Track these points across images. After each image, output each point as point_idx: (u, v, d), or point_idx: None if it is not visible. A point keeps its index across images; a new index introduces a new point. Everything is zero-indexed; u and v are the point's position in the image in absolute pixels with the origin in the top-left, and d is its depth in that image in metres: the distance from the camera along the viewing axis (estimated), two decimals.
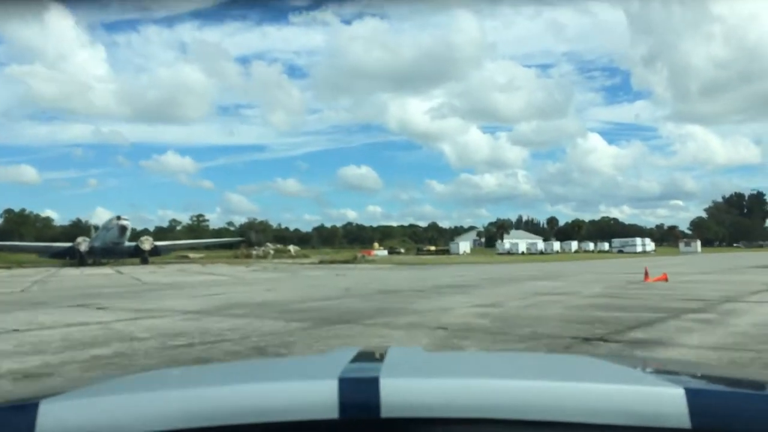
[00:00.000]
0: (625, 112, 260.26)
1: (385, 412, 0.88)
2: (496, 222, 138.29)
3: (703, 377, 1.34)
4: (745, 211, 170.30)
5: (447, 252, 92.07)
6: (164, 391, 1.01)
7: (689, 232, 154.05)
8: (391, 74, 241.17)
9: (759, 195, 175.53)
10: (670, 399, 0.88)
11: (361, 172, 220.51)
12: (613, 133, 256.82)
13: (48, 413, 0.90)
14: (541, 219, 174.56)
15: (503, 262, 47.13)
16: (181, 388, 1.05)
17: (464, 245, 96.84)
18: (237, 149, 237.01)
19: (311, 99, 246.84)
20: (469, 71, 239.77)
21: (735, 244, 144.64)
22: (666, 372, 1.27)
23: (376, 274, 29.64)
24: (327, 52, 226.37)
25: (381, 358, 1.20)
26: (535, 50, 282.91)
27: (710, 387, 1.14)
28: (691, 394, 0.88)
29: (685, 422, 0.85)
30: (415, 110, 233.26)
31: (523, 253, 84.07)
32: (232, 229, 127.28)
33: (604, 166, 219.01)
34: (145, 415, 0.89)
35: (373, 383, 0.91)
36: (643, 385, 0.94)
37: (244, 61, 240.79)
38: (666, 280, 18.15)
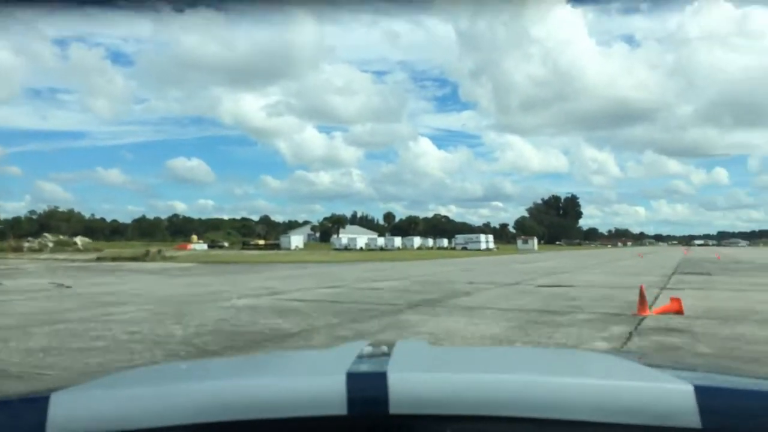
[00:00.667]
0: (454, 121, 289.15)
1: (394, 408, 0.88)
2: (331, 217, 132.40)
3: (712, 374, 1.32)
4: (561, 212, 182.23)
5: (277, 246, 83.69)
6: (173, 385, 1.01)
7: (513, 230, 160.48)
8: (226, 68, 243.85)
9: (573, 198, 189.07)
10: (679, 396, 0.86)
11: (192, 165, 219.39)
12: (443, 139, 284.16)
13: (59, 406, 0.90)
14: (376, 216, 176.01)
15: (344, 261, 38.38)
16: (190, 383, 1.05)
17: (297, 239, 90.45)
18: (51, 135, 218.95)
19: (138, 88, 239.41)
20: (306, 71, 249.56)
21: (557, 242, 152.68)
22: (675, 368, 1.21)
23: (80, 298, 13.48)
24: (156, 41, 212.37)
25: (388, 353, 1.17)
26: (372, 57, 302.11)
27: (720, 384, 1.10)
28: (701, 392, 0.86)
29: (695, 421, 0.83)
30: (250, 106, 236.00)
31: (362, 248, 78.27)
32: (34, 218, 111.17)
33: (434, 169, 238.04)
34: (153, 409, 0.89)
35: (381, 378, 0.90)
36: (652, 382, 0.92)
37: (61, 43, 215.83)
38: (680, 311, 9.97)
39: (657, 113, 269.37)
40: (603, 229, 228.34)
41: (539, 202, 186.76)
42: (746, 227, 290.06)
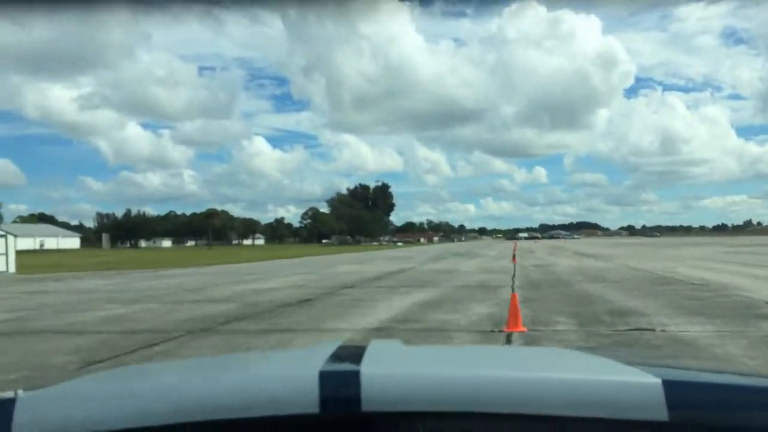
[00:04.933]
0: (291, 120, 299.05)
1: (366, 406, 0.87)
2: None
3: (680, 369, 1.34)
4: (370, 203, 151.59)
5: None
6: (144, 387, 1.01)
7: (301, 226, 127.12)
8: (23, 53, 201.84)
9: (384, 186, 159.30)
10: (647, 390, 0.87)
11: None
12: (279, 139, 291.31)
13: (26, 408, 0.88)
14: None
15: None
16: (161, 383, 1.05)
17: None
18: None
19: None
20: (121, 62, 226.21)
21: (360, 240, 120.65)
22: (643, 363, 1.18)
23: None
24: None
25: (362, 352, 1.15)
26: (205, 52, 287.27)
27: (688, 378, 1.12)
28: (669, 386, 0.88)
29: (663, 414, 0.85)
30: (59, 98, 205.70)
31: None
32: None
33: (270, 169, 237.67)
34: (124, 410, 0.88)
35: (354, 377, 0.90)
36: (621, 376, 0.94)
37: None
38: None
39: (483, 114, 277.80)
40: (427, 224, 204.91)
41: (344, 192, 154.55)
42: (562, 220, 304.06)
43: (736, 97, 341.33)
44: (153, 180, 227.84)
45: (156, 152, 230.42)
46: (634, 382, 0.89)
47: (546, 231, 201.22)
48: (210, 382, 0.97)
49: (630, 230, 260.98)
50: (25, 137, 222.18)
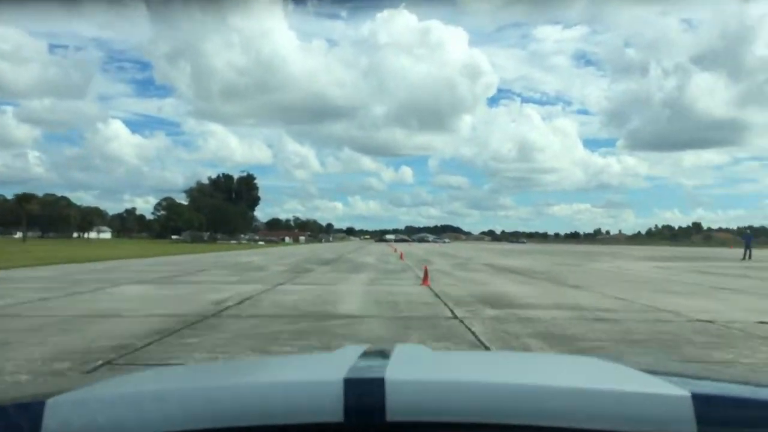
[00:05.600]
0: (153, 105, 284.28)
1: (391, 415, 0.85)
2: None
3: (709, 381, 1.28)
4: (234, 195, 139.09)
5: None
6: (168, 391, 0.99)
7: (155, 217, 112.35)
8: None
9: (249, 178, 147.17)
10: (676, 403, 0.84)
11: None
12: (139, 124, 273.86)
13: (54, 412, 0.89)
14: None
15: None
16: (185, 388, 1.02)
17: None
18: None
19: None
20: None
21: (216, 236, 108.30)
22: (672, 375, 1.15)
23: None
24: None
25: (387, 357, 1.13)
26: (62, 31, 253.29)
27: (717, 392, 1.07)
28: (698, 399, 0.85)
29: (691, 428, 0.82)
30: None
31: None
32: None
33: (128, 155, 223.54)
34: (148, 415, 0.88)
35: (379, 384, 0.87)
36: (649, 389, 0.89)
37: None
38: None
39: (354, 112, 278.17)
40: (294, 221, 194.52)
41: (205, 182, 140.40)
42: (427, 222, 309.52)
43: (584, 112, 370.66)
44: None
45: None
46: (662, 395, 0.86)
47: (412, 233, 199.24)
48: (234, 387, 0.95)
49: (491, 235, 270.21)
50: None
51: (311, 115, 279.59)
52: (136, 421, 0.87)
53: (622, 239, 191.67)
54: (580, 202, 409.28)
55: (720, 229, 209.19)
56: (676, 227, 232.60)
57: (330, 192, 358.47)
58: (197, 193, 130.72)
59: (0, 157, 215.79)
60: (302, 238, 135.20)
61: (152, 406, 0.89)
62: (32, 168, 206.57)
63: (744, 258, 36.08)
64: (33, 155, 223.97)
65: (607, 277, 19.26)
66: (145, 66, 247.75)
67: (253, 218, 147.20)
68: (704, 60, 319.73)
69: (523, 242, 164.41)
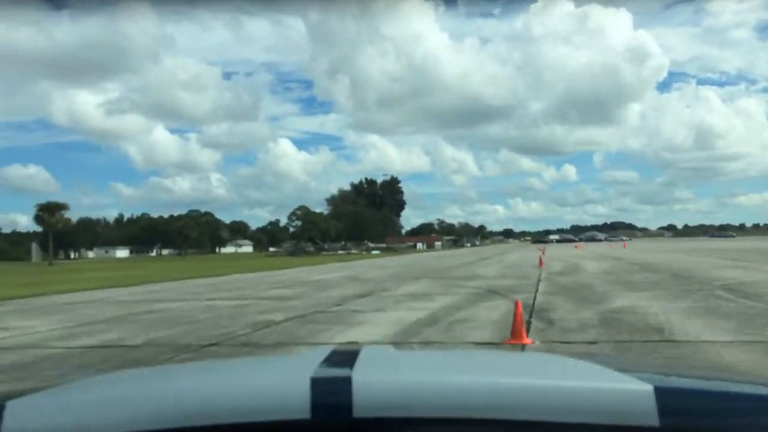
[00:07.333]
0: (316, 122, 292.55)
1: (357, 412, 0.87)
2: None
3: (672, 375, 1.31)
4: (378, 201, 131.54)
5: None
6: (133, 392, 1.00)
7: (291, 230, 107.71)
8: (49, 60, 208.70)
9: (393, 181, 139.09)
10: (638, 396, 0.88)
11: (29, 173, 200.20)
12: (305, 142, 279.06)
13: (14, 413, 0.88)
14: None
15: None
16: (151, 389, 1.04)
17: None
18: None
19: None
20: (149, 66, 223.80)
21: (348, 245, 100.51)
22: (635, 370, 1.18)
23: None
24: None
25: (354, 358, 1.14)
26: (234, 58, 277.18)
27: (679, 385, 1.13)
28: (660, 392, 0.88)
29: (654, 420, 0.85)
30: (86, 104, 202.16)
31: None
32: None
33: (296, 171, 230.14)
34: (113, 415, 0.87)
35: (345, 382, 0.90)
36: (612, 383, 0.94)
37: None
38: None
39: (509, 111, 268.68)
40: (433, 226, 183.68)
41: (347, 188, 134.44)
42: (594, 221, 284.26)
43: None
44: (182, 184, 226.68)
45: (184, 156, 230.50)
46: (625, 389, 0.89)
47: (579, 232, 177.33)
48: (200, 387, 0.97)
49: (672, 230, 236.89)
50: (55, 143, 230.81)
51: (466, 117, 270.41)
52: (102, 421, 0.85)
53: None
54: None
55: None
56: None
57: (490, 195, 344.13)
58: (339, 200, 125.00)
59: (188, 180, 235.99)
60: (438, 243, 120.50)
61: (119, 405, 0.88)
62: (215, 190, 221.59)
63: None
64: (215, 177, 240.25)
65: None
66: (308, 84, 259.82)
67: (397, 224, 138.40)
68: None
69: (732, 236, 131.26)
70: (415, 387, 0.91)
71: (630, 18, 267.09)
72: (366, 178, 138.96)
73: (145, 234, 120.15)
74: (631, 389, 0.89)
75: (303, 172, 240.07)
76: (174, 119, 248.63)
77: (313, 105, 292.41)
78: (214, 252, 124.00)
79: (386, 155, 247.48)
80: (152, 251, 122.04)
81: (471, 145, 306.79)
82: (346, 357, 1.17)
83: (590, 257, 35.37)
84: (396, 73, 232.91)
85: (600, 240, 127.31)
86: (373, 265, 35.91)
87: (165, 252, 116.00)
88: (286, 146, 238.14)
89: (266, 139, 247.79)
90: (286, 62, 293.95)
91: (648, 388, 0.88)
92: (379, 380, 0.93)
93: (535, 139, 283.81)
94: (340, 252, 78.54)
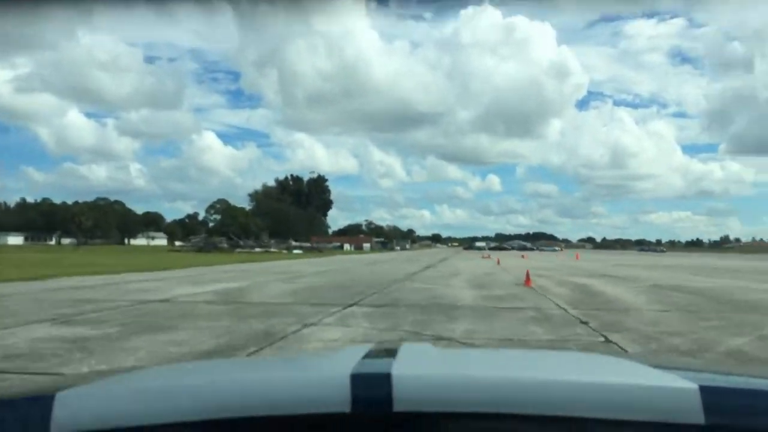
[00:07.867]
0: (244, 116, 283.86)
1: (398, 406, 0.87)
2: None
3: (717, 374, 1.32)
4: (304, 199, 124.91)
5: None
6: (177, 383, 1.03)
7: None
8: None
9: (319, 179, 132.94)
10: (684, 394, 0.87)
11: None
12: (230, 136, 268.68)
13: (63, 405, 0.90)
14: None
15: None
16: (194, 380, 1.06)
17: None
18: None
19: None
20: (63, 44, 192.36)
21: (267, 242, 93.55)
22: (680, 368, 1.19)
23: None
24: None
25: (393, 355, 1.14)
26: (157, 40, 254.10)
27: (724, 383, 1.12)
28: (705, 390, 0.87)
29: (699, 418, 0.85)
30: None
31: None
32: None
33: (221, 166, 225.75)
34: (157, 405, 0.90)
35: (385, 378, 0.90)
36: (657, 381, 0.93)
37: None
38: None
39: (437, 118, 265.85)
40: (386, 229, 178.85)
41: (272, 185, 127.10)
42: (517, 230, 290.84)
43: (681, 114, 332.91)
44: (98, 172, 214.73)
45: (100, 143, 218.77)
46: (670, 387, 0.89)
47: (503, 241, 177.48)
48: (242, 379, 0.99)
49: (592, 242, 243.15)
50: None
51: (395, 122, 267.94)
52: (146, 411, 0.88)
53: (759, 247, 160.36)
54: (680, 210, 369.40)
55: None
56: None
57: (416, 201, 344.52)
58: (262, 196, 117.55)
59: (105, 169, 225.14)
60: (367, 245, 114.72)
61: (163, 396, 0.91)
62: (134, 180, 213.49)
63: None
64: (135, 167, 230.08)
65: None
66: (236, 76, 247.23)
67: (324, 223, 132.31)
68: None
69: (662, 251, 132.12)
70: (454, 382, 0.91)
71: (554, 34, 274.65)
72: (292, 175, 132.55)
73: (44, 220, 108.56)
74: (676, 387, 0.89)
75: (228, 167, 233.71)
76: (90, 102, 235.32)
77: (240, 98, 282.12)
78: (122, 243, 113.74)
79: (314, 155, 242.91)
80: (51, 239, 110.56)
81: (399, 150, 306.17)
82: (385, 354, 1.18)
83: (582, 274, 25.31)
84: (326, 71, 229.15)
85: (532, 249, 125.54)
86: (284, 271, 26.02)
87: (66, 241, 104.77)
88: (210, 139, 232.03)
89: (190, 131, 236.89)
90: (213, 50, 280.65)
91: (693, 386, 0.88)
92: (419, 375, 0.93)
93: (461, 147, 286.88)
94: (257, 250, 71.22)
